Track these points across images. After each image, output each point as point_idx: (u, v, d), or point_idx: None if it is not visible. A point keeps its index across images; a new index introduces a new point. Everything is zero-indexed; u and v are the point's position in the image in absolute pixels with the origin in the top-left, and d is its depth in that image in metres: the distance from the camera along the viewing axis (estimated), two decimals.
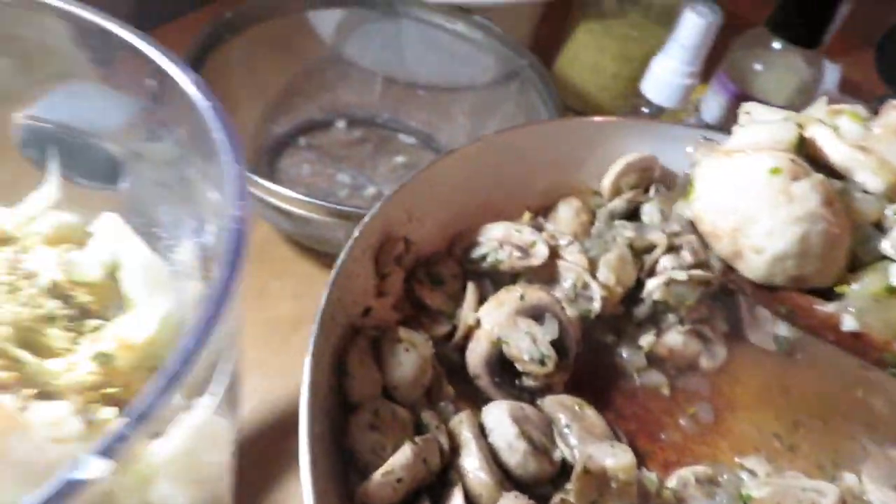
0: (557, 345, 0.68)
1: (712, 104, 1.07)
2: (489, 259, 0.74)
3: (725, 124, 1.04)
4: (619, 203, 0.84)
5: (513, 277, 0.75)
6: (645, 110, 0.99)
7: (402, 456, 0.56)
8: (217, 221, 0.50)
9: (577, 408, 0.67)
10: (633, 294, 0.78)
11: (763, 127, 0.63)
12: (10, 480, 0.39)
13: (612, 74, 1.28)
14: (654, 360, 0.79)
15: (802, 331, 0.61)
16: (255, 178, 0.81)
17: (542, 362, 0.66)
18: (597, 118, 0.93)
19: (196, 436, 0.44)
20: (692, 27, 0.88)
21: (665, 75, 0.93)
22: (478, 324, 0.70)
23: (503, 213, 0.81)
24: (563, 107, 1.08)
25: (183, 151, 0.49)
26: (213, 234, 0.50)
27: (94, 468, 0.28)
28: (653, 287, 0.76)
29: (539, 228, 0.79)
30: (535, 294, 0.70)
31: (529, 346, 0.66)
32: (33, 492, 0.40)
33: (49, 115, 0.54)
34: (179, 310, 0.54)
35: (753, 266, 0.59)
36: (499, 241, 0.75)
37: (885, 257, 0.57)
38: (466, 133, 1.20)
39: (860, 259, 0.59)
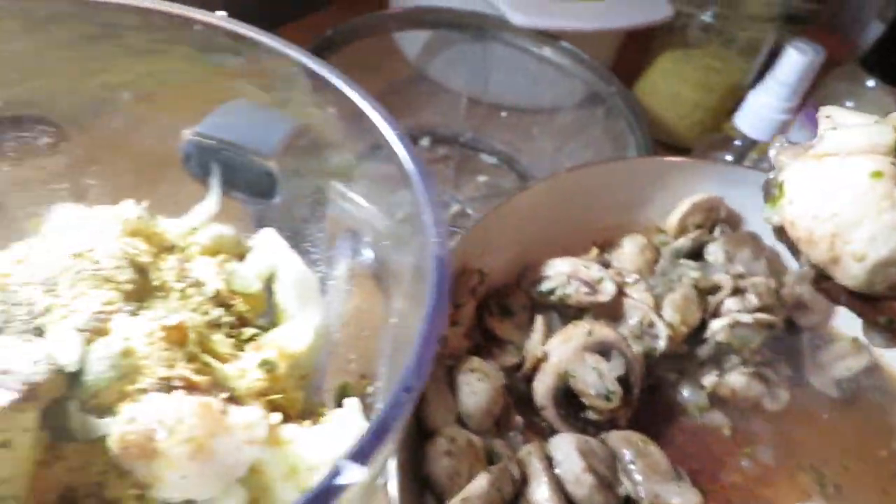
0: (622, 381, 0.69)
1: (799, 139, 1.08)
2: (557, 293, 0.76)
3: None
4: (684, 242, 0.86)
5: (579, 312, 0.77)
6: (737, 143, 1.00)
7: (478, 484, 0.58)
8: (376, 240, 0.53)
9: (641, 444, 0.68)
10: (697, 334, 0.79)
11: (857, 130, 0.62)
12: (212, 478, 0.42)
13: (692, 104, 1.29)
14: (715, 400, 0.80)
15: None
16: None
17: (607, 398, 0.68)
18: (667, 158, 0.96)
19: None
20: (792, 64, 0.89)
21: (761, 110, 0.94)
22: (545, 356, 0.72)
23: (570, 247, 0.83)
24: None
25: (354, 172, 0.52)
26: (371, 254, 0.52)
27: (354, 474, 0.30)
28: (717, 328, 0.78)
29: (605, 265, 0.81)
30: (603, 330, 0.72)
31: (596, 381, 0.68)
32: (224, 489, 0.43)
33: (213, 131, 0.57)
34: (326, 322, 0.57)
35: (852, 273, 0.56)
36: (567, 275, 0.76)
37: None
38: (548, 155, 1.22)
39: None
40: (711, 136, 1.11)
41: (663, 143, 1.31)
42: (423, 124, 1.27)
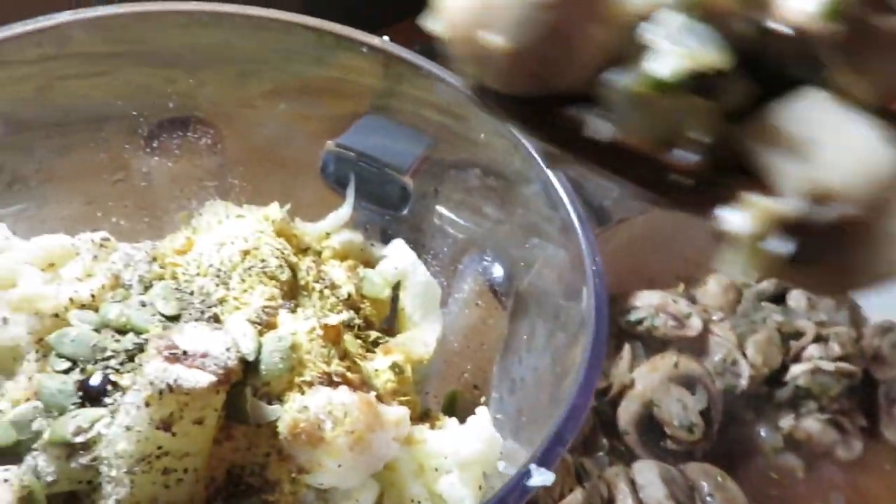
0: (704, 414, 0.73)
1: None
2: (645, 323, 0.80)
3: None
4: (767, 286, 0.89)
5: (663, 343, 0.80)
6: None
7: (573, 498, 0.62)
8: (508, 263, 0.56)
9: (719, 478, 0.71)
10: (777, 376, 0.82)
11: None
12: (362, 469, 0.45)
13: None
14: (790, 442, 0.82)
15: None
16: None
17: (690, 430, 0.72)
18: None
19: (489, 450, 0.50)
20: None
21: None
22: (632, 384, 0.75)
23: (656, 280, 0.87)
24: None
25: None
26: (500, 275, 0.56)
27: (543, 478, 0.33)
28: (798, 373, 0.81)
29: (692, 300, 0.85)
30: (689, 364, 0.76)
31: (680, 412, 0.72)
32: (363, 482, 0.47)
33: (353, 144, 0.61)
34: (444, 332, 0.61)
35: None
36: (655, 308, 0.80)
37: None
38: None
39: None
40: None
41: None
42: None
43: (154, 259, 0.51)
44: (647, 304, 0.79)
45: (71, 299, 0.47)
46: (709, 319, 0.82)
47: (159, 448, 0.40)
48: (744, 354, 0.79)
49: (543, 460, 0.34)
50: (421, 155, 0.61)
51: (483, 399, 0.57)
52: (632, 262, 0.85)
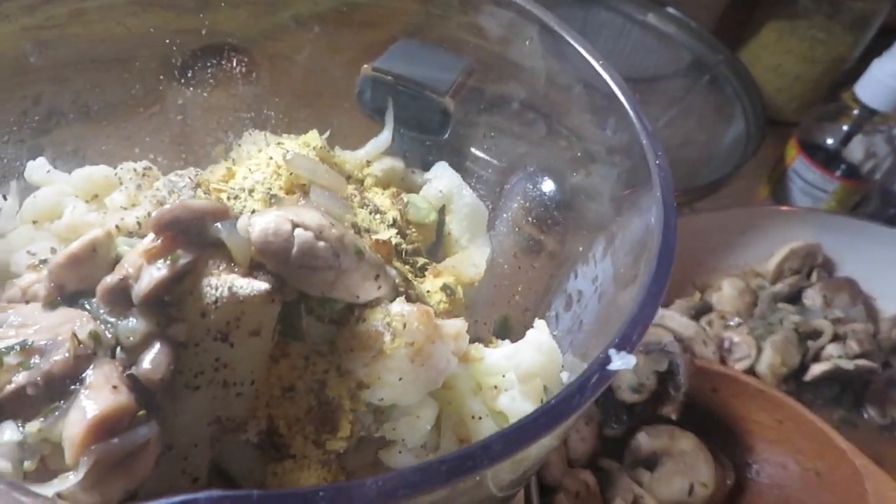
0: (669, 379, 0.74)
1: None
2: None
3: None
4: (782, 287, 0.91)
5: None
6: (855, 113, 0.99)
7: None
8: (560, 183, 0.54)
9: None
10: (796, 376, 0.84)
11: None
12: (422, 384, 0.44)
13: (794, 76, 1.27)
14: None
15: None
16: None
17: (637, 390, 0.73)
18: (768, 207, 1.05)
19: (550, 362, 0.48)
20: None
21: (886, 79, 0.93)
22: None
23: (673, 287, 0.87)
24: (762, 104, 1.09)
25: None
26: (553, 193, 0.54)
27: (623, 361, 0.32)
28: (818, 372, 0.82)
29: (707, 308, 0.89)
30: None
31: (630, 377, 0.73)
32: (421, 399, 0.46)
33: (390, 67, 0.59)
34: (493, 255, 0.59)
35: None
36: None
37: None
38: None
39: None
40: (822, 107, 1.10)
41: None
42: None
43: (198, 185, 0.50)
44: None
45: (117, 227, 0.47)
46: (726, 325, 0.86)
47: (217, 360, 0.39)
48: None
49: (623, 344, 0.32)
50: (460, 76, 0.58)
51: (536, 319, 0.56)
52: None
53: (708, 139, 1.14)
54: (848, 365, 0.81)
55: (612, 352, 0.32)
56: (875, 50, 0.99)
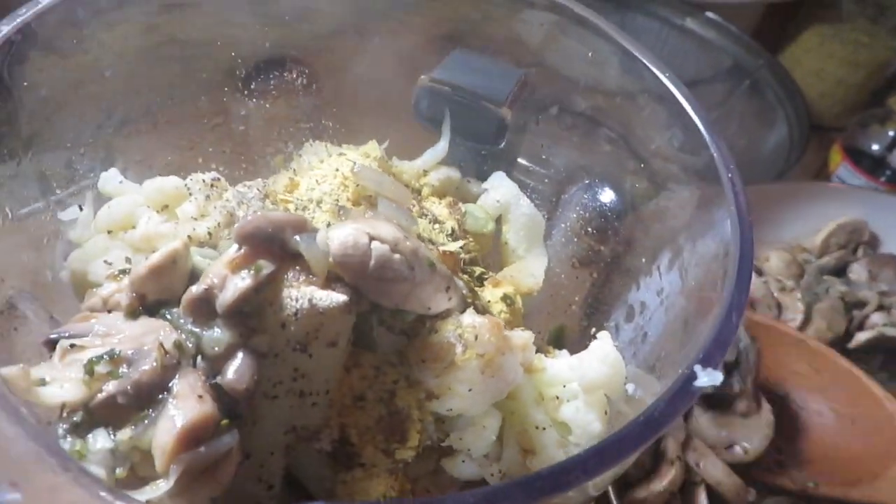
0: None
1: None
2: None
3: None
4: (829, 260, 0.93)
5: None
6: None
7: None
8: (623, 194, 0.54)
9: None
10: (841, 342, 0.85)
11: None
12: (490, 394, 0.45)
13: (836, 80, 1.26)
14: None
15: None
16: None
17: None
18: (816, 183, 1.06)
19: (614, 373, 0.48)
20: None
21: None
22: None
23: None
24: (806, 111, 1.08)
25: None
26: (614, 203, 0.54)
27: (710, 378, 0.32)
28: (863, 340, 0.84)
29: (758, 272, 0.91)
30: None
31: None
32: (486, 409, 0.46)
33: (446, 77, 0.60)
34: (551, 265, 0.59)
35: None
36: None
37: None
38: None
39: None
40: (867, 112, 1.08)
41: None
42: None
43: (266, 196, 0.51)
44: None
45: (189, 237, 0.48)
46: (782, 287, 0.87)
47: (296, 370, 0.40)
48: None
49: (708, 360, 0.32)
50: (516, 86, 0.59)
51: (593, 330, 0.56)
52: None
53: (749, 144, 1.13)
54: (893, 332, 0.83)
55: (697, 368, 0.32)
56: None
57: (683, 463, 0.69)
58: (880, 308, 0.86)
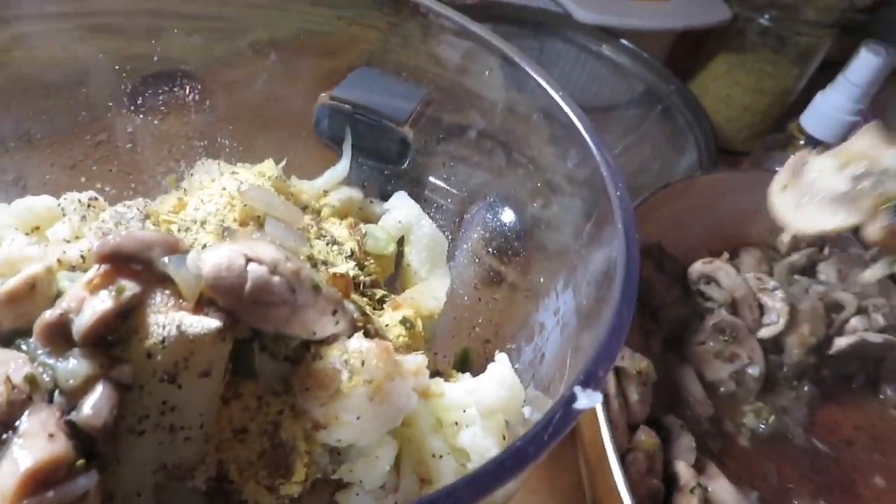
0: None
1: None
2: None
3: None
4: (799, 258, 0.89)
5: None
6: (801, 143, 1.02)
7: None
8: (520, 212, 0.54)
9: None
10: (820, 348, 0.81)
11: None
12: (381, 422, 0.43)
13: (742, 107, 1.31)
14: None
15: None
16: None
17: None
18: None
19: (512, 397, 0.47)
20: (866, 65, 0.92)
21: (829, 111, 0.97)
22: None
23: (688, 250, 0.86)
24: (713, 133, 1.11)
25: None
26: (513, 223, 0.53)
27: (589, 399, 0.31)
28: (843, 345, 0.79)
29: (736, 267, 0.85)
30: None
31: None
32: (380, 438, 0.44)
33: (348, 96, 0.58)
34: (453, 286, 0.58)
35: None
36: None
37: None
38: None
39: None
40: (771, 137, 1.13)
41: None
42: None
43: (147, 217, 0.48)
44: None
45: (59, 261, 0.44)
46: (763, 287, 0.82)
47: (164, 403, 0.37)
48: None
49: (588, 381, 0.31)
50: (419, 105, 0.58)
51: (497, 352, 0.55)
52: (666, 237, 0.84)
53: (662, 167, 1.16)
54: (876, 338, 0.78)
55: (577, 389, 0.31)
56: (818, 82, 1.03)
57: (703, 490, 0.64)
58: (859, 311, 0.82)
